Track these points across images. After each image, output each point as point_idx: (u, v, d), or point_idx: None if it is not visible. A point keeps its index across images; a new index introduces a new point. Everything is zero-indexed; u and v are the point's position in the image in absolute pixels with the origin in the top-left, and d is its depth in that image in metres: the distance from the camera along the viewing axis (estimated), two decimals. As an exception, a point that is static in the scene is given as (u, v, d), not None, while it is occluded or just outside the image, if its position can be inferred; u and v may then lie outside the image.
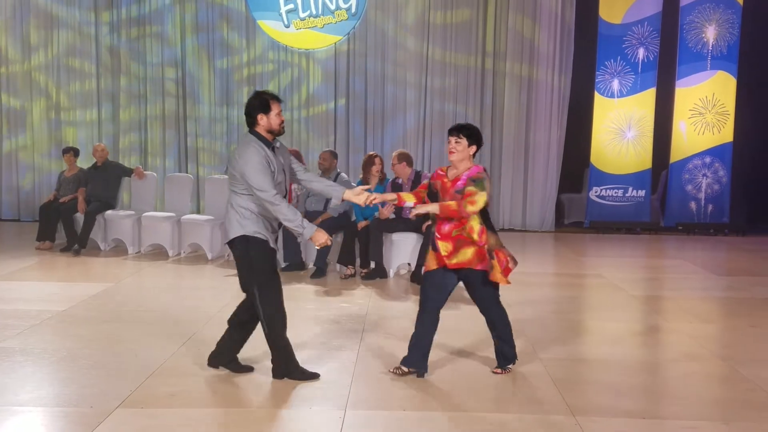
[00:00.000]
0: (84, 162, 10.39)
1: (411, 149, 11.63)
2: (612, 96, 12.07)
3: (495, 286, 4.82)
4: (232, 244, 4.62)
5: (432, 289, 4.80)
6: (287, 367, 4.70)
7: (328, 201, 8.23)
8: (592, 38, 12.03)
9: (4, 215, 12.51)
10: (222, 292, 7.19)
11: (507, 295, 7.20)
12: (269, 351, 4.71)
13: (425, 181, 5.14)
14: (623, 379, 4.89)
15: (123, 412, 4.15)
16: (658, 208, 12.49)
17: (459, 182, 4.69)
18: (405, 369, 4.79)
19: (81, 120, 12.41)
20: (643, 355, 5.63)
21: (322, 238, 4.58)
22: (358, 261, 8.22)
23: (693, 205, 12.18)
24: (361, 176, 8.38)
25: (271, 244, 4.65)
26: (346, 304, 6.85)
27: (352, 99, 12.25)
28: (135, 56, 12.33)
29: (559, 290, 7.91)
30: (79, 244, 9.25)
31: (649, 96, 11.99)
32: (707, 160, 12.11)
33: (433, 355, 5.34)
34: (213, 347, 4.85)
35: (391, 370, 4.83)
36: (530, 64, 12.08)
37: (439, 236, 4.73)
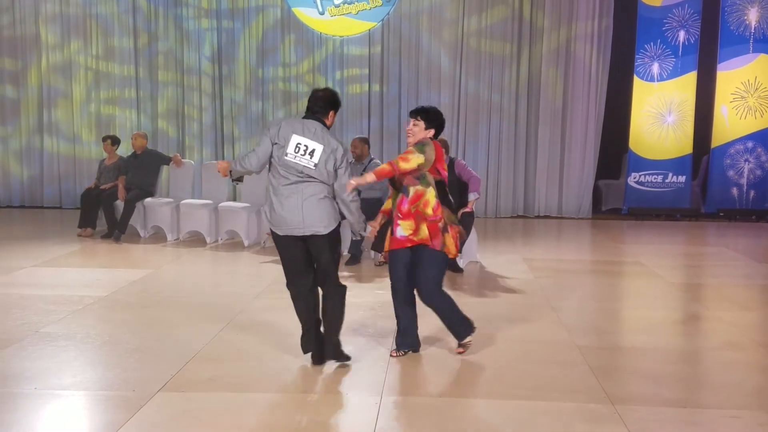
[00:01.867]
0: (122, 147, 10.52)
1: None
2: (652, 80, 11.86)
3: (441, 269, 4.76)
4: (323, 234, 4.56)
5: (399, 267, 4.80)
6: (338, 346, 4.71)
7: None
8: (631, 21, 11.83)
9: (46, 203, 12.77)
10: (258, 279, 7.25)
11: (543, 283, 7.20)
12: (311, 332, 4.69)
13: None
14: (663, 367, 4.83)
15: (164, 396, 4.23)
16: (698, 194, 12.28)
17: None
18: (403, 351, 4.91)
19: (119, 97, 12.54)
20: (683, 344, 5.56)
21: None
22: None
23: (735, 190, 11.95)
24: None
25: None
26: (381, 290, 6.85)
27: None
28: (182, 42, 12.43)
29: (596, 278, 7.83)
30: (119, 229, 9.41)
31: (689, 79, 11.76)
32: (749, 145, 11.86)
33: (472, 341, 5.32)
34: (251, 332, 4.88)
35: (393, 354, 4.90)
36: (567, 43, 11.90)
37: (401, 216, 4.70)
